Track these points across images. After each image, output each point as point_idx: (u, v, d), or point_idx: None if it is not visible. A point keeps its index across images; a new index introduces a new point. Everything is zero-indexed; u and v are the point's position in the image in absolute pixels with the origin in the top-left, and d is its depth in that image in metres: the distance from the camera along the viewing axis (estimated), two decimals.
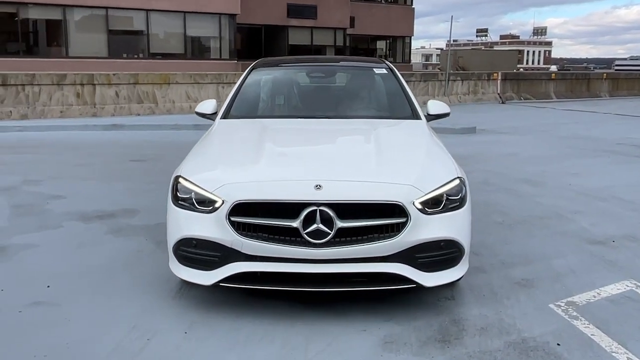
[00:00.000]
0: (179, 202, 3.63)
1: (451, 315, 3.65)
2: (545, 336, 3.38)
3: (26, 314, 3.59)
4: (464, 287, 4.06)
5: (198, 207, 3.53)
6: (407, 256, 3.46)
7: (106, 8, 22.98)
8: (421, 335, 3.37)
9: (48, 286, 4.02)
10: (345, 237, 3.38)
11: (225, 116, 4.88)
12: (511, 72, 23.00)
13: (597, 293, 4.01)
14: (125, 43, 23.84)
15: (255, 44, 31.03)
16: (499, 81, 21.25)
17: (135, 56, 23.84)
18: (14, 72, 14.03)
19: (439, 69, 49.26)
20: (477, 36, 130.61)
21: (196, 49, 25.76)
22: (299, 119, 4.78)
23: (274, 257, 3.42)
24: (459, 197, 3.66)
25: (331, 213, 3.34)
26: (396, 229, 3.42)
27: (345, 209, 3.38)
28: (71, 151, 9.87)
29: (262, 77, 5.42)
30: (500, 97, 21.10)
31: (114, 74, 14.68)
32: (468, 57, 45.52)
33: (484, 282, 4.18)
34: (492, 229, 5.46)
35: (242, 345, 3.24)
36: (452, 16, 20.77)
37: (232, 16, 25.77)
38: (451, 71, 21.08)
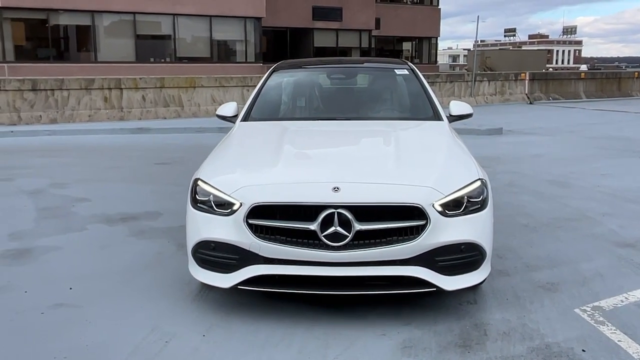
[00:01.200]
0: (198, 204, 3.63)
1: (473, 319, 3.58)
2: (569, 342, 3.29)
3: (48, 315, 3.63)
4: (486, 291, 3.99)
5: (217, 209, 3.53)
6: (426, 259, 3.40)
7: (134, 13, 23.31)
8: (441, 340, 3.31)
9: (70, 288, 4.06)
10: (364, 239, 3.34)
11: (246, 119, 4.89)
12: (539, 72, 22.65)
13: (625, 297, 3.90)
14: (153, 47, 24.15)
15: (281, 46, 31.14)
16: (526, 81, 20.95)
17: (162, 60, 24.14)
18: (43, 77, 14.30)
19: (465, 69, 48.82)
20: (505, 36, 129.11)
21: (222, 52, 25.96)
22: (320, 121, 4.76)
23: (292, 259, 3.40)
24: (480, 199, 3.58)
25: (349, 215, 3.30)
26: (415, 232, 3.37)
27: (364, 212, 3.34)
28: (98, 154, 10.02)
29: (283, 79, 5.41)
30: (528, 98, 20.79)
31: (140, 78, 14.86)
32: (496, 58, 45.00)
33: (507, 286, 4.09)
34: (517, 232, 5.36)
35: (260, 348, 3.23)
36: (478, 16, 20.57)
37: (258, 19, 25.90)
38: (478, 71, 20.86)
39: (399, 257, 3.37)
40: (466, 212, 3.51)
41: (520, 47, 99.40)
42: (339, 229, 3.31)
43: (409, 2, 38.49)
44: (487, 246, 3.58)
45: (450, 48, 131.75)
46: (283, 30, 31.03)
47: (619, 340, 3.30)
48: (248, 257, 3.44)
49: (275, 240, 3.39)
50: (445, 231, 3.41)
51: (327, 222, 3.31)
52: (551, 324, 3.52)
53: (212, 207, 3.55)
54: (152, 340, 3.31)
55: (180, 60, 24.42)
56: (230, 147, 4.23)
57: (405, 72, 5.30)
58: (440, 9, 38.89)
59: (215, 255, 3.54)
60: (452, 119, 4.93)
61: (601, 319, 3.58)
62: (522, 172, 8.10)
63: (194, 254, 3.64)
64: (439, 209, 3.41)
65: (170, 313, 3.66)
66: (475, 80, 19.65)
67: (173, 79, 15.28)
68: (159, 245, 5.02)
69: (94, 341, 3.30)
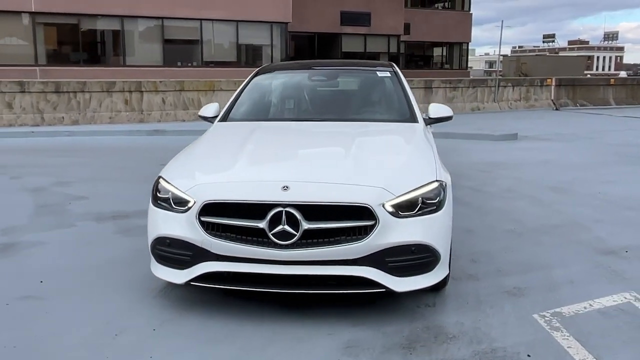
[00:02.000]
0: (158, 202, 3.70)
1: (426, 322, 3.55)
2: (517, 347, 3.24)
3: (12, 307, 3.75)
4: (448, 294, 3.95)
5: (174, 207, 3.59)
6: (376, 260, 3.39)
7: (162, 18, 23.73)
8: (387, 342, 3.30)
9: (41, 281, 4.17)
10: (312, 238, 3.36)
11: (224, 119, 4.96)
12: (566, 77, 22.18)
13: (590, 304, 3.81)
14: (180, 52, 24.55)
15: (309, 51, 31.32)
16: (552, 87, 20.56)
17: (189, 64, 24.50)
18: (66, 79, 14.70)
19: (500, 75, 48.23)
20: (543, 42, 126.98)
21: (249, 56, 26.22)
22: (294, 122, 4.80)
23: (242, 257, 3.43)
24: (436, 200, 3.56)
25: (297, 214, 3.32)
26: (364, 232, 3.37)
27: (312, 211, 3.35)
28: (110, 155, 10.24)
29: (265, 82, 5.47)
30: (554, 104, 20.41)
31: (160, 81, 15.14)
32: (532, 64, 44.34)
33: (472, 290, 4.05)
34: (500, 237, 5.29)
35: (204, 344, 3.27)
36: (502, 21, 20.29)
37: (284, 24, 26.08)
38: (513, 77, 20.55)
39: (347, 256, 3.37)
40: (420, 213, 3.49)
41: (558, 52, 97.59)
42: (287, 227, 3.33)
43: (439, 7, 38.26)
44: (442, 248, 3.55)
45: (487, 54, 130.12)
46: (311, 35, 31.20)
47: (568, 347, 3.24)
48: (201, 254, 3.49)
49: (225, 238, 3.44)
50: (395, 232, 3.39)
51: (275, 221, 3.34)
52: (505, 328, 3.47)
53: (170, 204, 3.62)
54: (102, 333, 3.38)
55: (207, 64, 24.74)
56: (197, 146, 4.30)
57: (387, 74, 5.29)
58: (472, 14, 38.53)
59: (171, 251, 3.60)
60: (430, 121, 4.90)
61: (557, 325, 3.51)
62: (525, 178, 7.97)
63: (153, 250, 3.71)
64: (390, 209, 3.40)
65: (130, 308, 3.74)
66: (498, 86, 19.39)
67: (192, 82, 15.52)
68: (142, 242, 5.08)
69: (47, 332, 3.39)
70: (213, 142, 4.35)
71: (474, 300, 3.88)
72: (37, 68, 21.84)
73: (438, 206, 3.56)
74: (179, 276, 3.59)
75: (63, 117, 14.06)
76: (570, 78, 21.97)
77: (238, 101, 5.14)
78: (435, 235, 3.52)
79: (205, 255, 3.48)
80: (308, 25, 30.27)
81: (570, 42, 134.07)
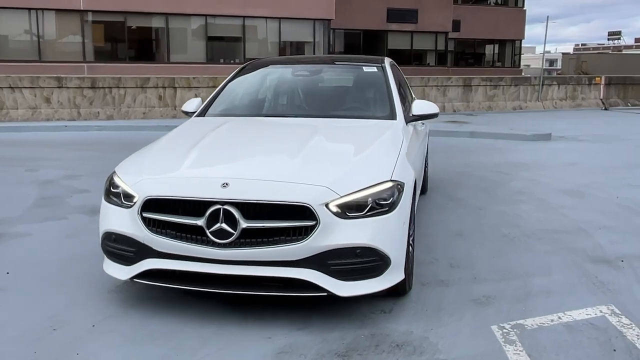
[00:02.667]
0: (110, 197, 3.66)
1: (374, 329, 3.37)
2: (461, 359, 3.03)
3: None
4: (410, 301, 3.75)
5: (123, 202, 3.55)
6: (318, 262, 3.25)
7: (205, 16, 24.05)
8: (324, 348, 3.15)
9: (7, 273, 4.21)
10: (251, 238, 3.24)
11: (202, 114, 4.89)
12: (617, 76, 21.15)
13: (559, 317, 3.54)
14: (223, 49, 24.83)
15: (354, 49, 31.11)
16: (602, 86, 19.67)
17: (232, 62, 24.73)
18: (102, 75, 15.05)
19: (558, 74, 46.64)
20: (608, 39, 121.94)
21: (291, 54, 26.25)
22: (266, 118, 4.67)
23: (184, 255, 3.35)
24: (389, 201, 3.38)
25: (235, 212, 3.21)
26: (304, 233, 3.22)
27: (252, 209, 3.24)
28: (131, 149, 10.35)
29: (249, 77, 5.37)
30: (603, 103, 19.52)
31: (193, 78, 15.30)
32: (593, 62, 42.53)
33: (437, 297, 3.83)
34: (490, 242, 5.02)
35: (138, 342, 3.20)
36: (547, 17, 19.50)
37: (327, 21, 25.98)
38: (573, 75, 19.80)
39: (287, 258, 3.24)
40: (369, 214, 3.31)
41: (621, 50, 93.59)
42: (224, 225, 3.23)
43: (492, 3, 37.27)
44: (392, 252, 3.36)
45: (548, 52, 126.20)
46: (357, 32, 30.99)
47: None
48: (144, 251, 3.43)
49: (166, 235, 3.36)
50: (339, 233, 3.23)
51: (214, 219, 3.24)
52: (455, 339, 3.26)
53: (121, 199, 3.57)
54: (41, 327, 3.36)
55: (249, 61, 24.90)
56: (158, 142, 4.24)
57: (374, 69, 5.10)
58: (525, 10, 37.35)
59: (117, 247, 3.56)
60: (413, 118, 4.68)
61: (514, 337, 3.27)
62: (541, 180, 7.59)
63: (102, 246, 3.68)
64: (335, 209, 3.24)
65: (79, 302, 3.71)
66: (543, 84, 18.68)
67: (225, 78, 15.59)
68: None
69: None
70: (174, 138, 4.27)
71: (435, 308, 3.67)
72: (84, 64, 22.53)
73: (390, 207, 3.38)
74: (124, 272, 3.54)
75: (98, 112, 14.40)
76: (621, 77, 20.95)
77: (219, 97, 5.07)
78: (384, 238, 3.33)
79: (148, 252, 3.42)
80: (353, 22, 30.08)
81: (637, 40, 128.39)
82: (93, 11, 22.59)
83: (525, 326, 3.42)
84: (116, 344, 3.19)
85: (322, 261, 3.24)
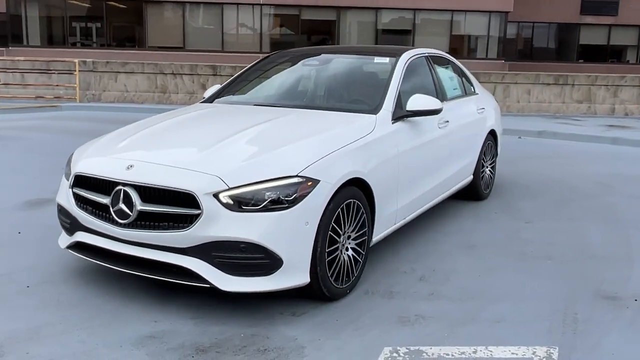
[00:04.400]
0: (65, 173, 3.95)
1: (262, 330, 3.21)
2: None
3: None
4: (331, 308, 3.49)
5: (67, 178, 3.82)
6: (203, 252, 3.19)
7: (376, 9, 24.21)
8: (192, 340, 3.08)
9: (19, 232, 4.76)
10: (147, 221, 3.28)
11: (209, 100, 5.00)
12: None
13: (475, 350, 3.03)
14: (393, 41, 24.75)
15: (538, 43, 29.02)
16: None
17: None
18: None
19: None
20: None
21: (461, 47, 25.29)
22: (250, 106, 4.58)
23: (98, 231, 3.51)
24: (290, 198, 3.19)
25: (133, 194, 3.28)
26: (189, 221, 3.18)
27: (149, 193, 3.28)
28: None
29: (264, 66, 5.34)
30: None
31: None
32: None
33: (364, 309, 3.50)
34: (496, 258, 4.43)
35: (44, 307, 3.43)
36: None
37: (504, 14, 24.53)
38: None
39: (174, 244, 3.23)
40: (264, 209, 3.16)
41: None
42: (122, 206, 3.32)
43: None
44: (285, 251, 3.17)
45: None
46: (543, 25, 28.78)
47: None
48: (75, 224, 3.66)
49: (85, 210, 3.55)
50: (223, 225, 3.14)
51: (118, 198, 3.34)
52: (329, 354, 2.97)
53: (66, 175, 3.85)
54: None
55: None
56: (136, 124, 4.38)
57: (386, 61, 4.75)
58: None
59: (61, 218, 3.85)
60: (407, 114, 4.29)
61: None
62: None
63: (58, 217, 3.98)
64: (226, 200, 3.15)
65: (34, 265, 4.08)
66: None
67: None
68: None
69: None
70: (146, 121, 4.38)
71: (348, 319, 3.36)
72: (260, 55, 24.09)
73: (291, 204, 3.18)
74: (63, 241, 3.82)
75: None
76: None
77: (231, 85, 5.14)
78: (275, 235, 3.15)
79: (77, 225, 3.64)
80: (540, 14, 28.03)
81: None
82: (270, 5, 24.03)
83: (423, 354, 2.99)
84: (33, 305, 3.45)
85: (207, 252, 3.18)
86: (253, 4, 24.03)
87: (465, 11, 24.42)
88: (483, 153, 5.93)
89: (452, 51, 24.83)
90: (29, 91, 15.44)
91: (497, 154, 6.49)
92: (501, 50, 24.95)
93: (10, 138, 9.58)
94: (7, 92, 15.20)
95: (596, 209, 5.91)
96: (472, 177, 5.76)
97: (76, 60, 15.19)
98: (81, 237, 3.63)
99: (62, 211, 3.79)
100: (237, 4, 23.99)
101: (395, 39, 24.73)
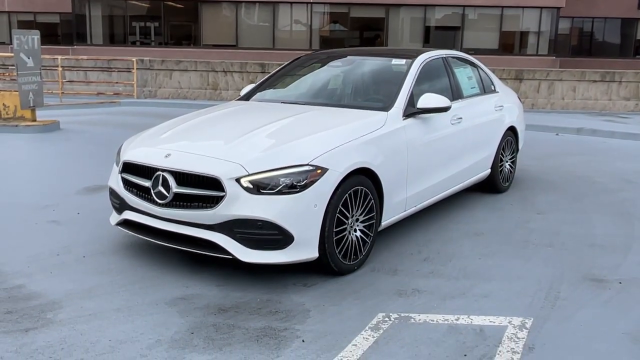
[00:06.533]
0: (116, 160, 4.59)
1: (276, 296, 3.74)
2: (312, 331, 3.28)
3: None
4: (339, 281, 3.98)
5: (117, 164, 4.46)
6: (227, 228, 3.75)
7: (425, 6, 24.40)
8: (215, 301, 3.64)
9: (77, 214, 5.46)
10: (181, 201, 3.87)
11: (244, 98, 5.57)
12: None
13: (457, 318, 3.47)
14: (441, 38, 24.92)
15: (594, 39, 28.47)
16: None
17: None
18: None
19: None
20: None
21: (511, 43, 25.16)
22: (277, 104, 5.12)
23: (141, 210, 4.12)
24: (302, 183, 3.71)
25: (170, 179, 3.87)
26: (215, 201, 3.74)
27: (184, 177, 3.86)
28: None
29: (293, 67, 5.86)
30: None
31: None
32: None
33: (367, 283, 3.99)
34: (500, 244, 4.82)
35: (98, 273, 4.07)
36: None
37: (555, 10, 24.26)
38: None
39: (203, 221, 3.80)
40: (279, 192, 3.69)
41: None
42: (161, 188, 3.91)
43: None
44: (295, 229, 3.69)
45: None
46: (599, 20, 28.23)
47: (353, 344, 3.15)
48: (124, 204, 4.29)
49: (131, 192, 4.17)
50: (244, 206, 3.69)
51: (157, 182, 3.95)
52: (330, 316, 3.47)
53: (116, 162, 4.50)
54: (52, 252, 4.46)
55: (467, 51, 24.55)
56: (176, 119, 4.97)
57: (402, 62, 5.20)
58: None
59: (112, 199, 4.49)
60: (417, 111, 4.73)
61: (384, 325, 3.37)
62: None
63: (109, 198, 4.63)
64: (246, 185, 3.70)
65: (90, 239, 4.74)
66: None
67: None
68: None
69: None
70: (185, 116, 4.97)
71: (352, 290, 3.86)
72: (310, 52, 24.67)
73: (302, 188, 3.70)
74: (113, 220, 4.46)
75: None
76: None
77: (264, 84, 5.69)
78: (287, 214, 3.68)
79: (125, 205, 4.27)
80: (595, 9, 27.56)
81: None
82: (321, 3, 24.58)
83: (411, 319, 3.46)
84: (87, 271, 4.10)
85: (230, 228, 3.73)
86: (305, 2, 24.63)
87: (516, 7, 24.29)
88: (502, 148, 6.28)
89: (502, 47, 24.77)
90: (91, 88, 16.53)
91: (517, 149, 6.81)
92: (552, 46, 24.68)
93: (73, 131, 10.48)
94: (71, 89, 16.31)
95: (610, 203, 6.17)
96: (489, 170, 6.12)
97: (134, 59, 16.15)
98: (128, 215, 4.26)
99: (113, 193, 4.43)
100: (290, 2, 24.65)
101: (444, 35, 24.87)
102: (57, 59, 15.94)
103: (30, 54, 10.14)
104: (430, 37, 24.95)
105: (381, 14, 24.78)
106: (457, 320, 3.46)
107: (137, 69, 16.05)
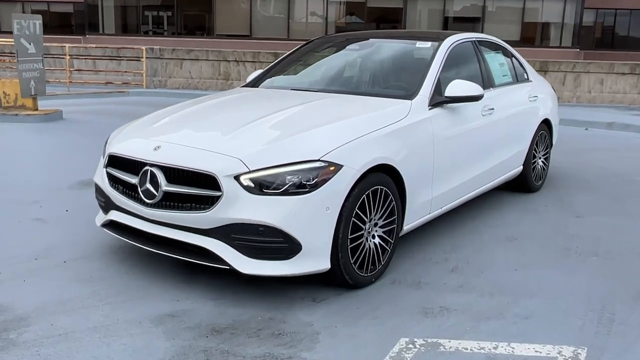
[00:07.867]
0: (102, 153, 4.06)
1: (280, 314, 3.20)
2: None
3: None
4: (353, 295, 3.44)
5: (102, 158, 3.93)
6: (224, 234, 3.21)
7: None
8: (209, 320, 3.11)
9: (67, 210, 4.96)
10: (172, 201, 3.33)
11: (252, 85, 5.02)
12: None
13: (495, 346, 2.90)
14: (460, 29, 24.14)
15: (620, 31, 27.57)
16: None
17: None
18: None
19: None
20: None
21: (533, 35, 24.35)
22: (286, 91, 4.56)
23: (128, 210, 3.59)
24: (312, 182, 3.15)
25: (159, 175, 3.33)
26: (210, 202, 3.20)
27: (174, 174, 3.32)
28: None
29: (306, 51, 5.29)
30: None
31: None
32: None
33: (387, 298, 3.44)
34: (536, 253, 4.24)
35: (78, 280, 3.56)
36: None
37: (580, 1, 23.41)
38: None
39: (196, 225, 3.26)
40: (286, 192, 3.14)
41: None
42: (149, 186, 3.38)
43: None
44: (303, 236, 3.13)
45: None
46: (625, 12, 27.31)
47: None
48: (110, 202, 3.76)
49: (117, 190, 3.64)
50: (243, 208, 3.14)
51: (145, 178, 3.40)
52: (344, 342, 2.93)
53: (102, 155, 3.97)
54: (30, 255, 3.95)
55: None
56: (171, 107, 4.41)
57: (428, 45, 4.61)
58: None
59: (97, 197, 3.97)
60: (445, 100, 4.15)
61: (408, 355, 2.81)
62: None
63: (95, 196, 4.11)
64: (247, 183, 3.15)
65: (73, 241, 4.23)
66: None
67: None
68: None
69: None
70: (187, 103, 4.43)
71: (370, 307, 3.30)
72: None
73: (311, 188, 3.15)
74: (98, 219, 3.94)
75: None
76: None
77: (272, 69, 5.14)
78: (294, 219, 3.12)
79: (111, 204, 3.74)
80: (620, 1, 26.60)
81: None
82: None
83: (440, 347, 2.90)
84: (65, 278, 3.58)
85: (227, 234, 3.19)
86: None
87: None
88: (535, 143, 5.68)
89: (524, 39, 23.99)
90: (100, 77, 16.09)
91: (551, 145, 6.20)
92: (576, 38, 23.85)
93: (76, 121, 10.01)
94: (80, 78, 15.88)
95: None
96: (521, 167, 5.53)
97: (143, 48, 15.67)
98: (114, 215, 3.73)
99: (98, 190, 3.91)
100: None
101: (463, 27, 24.12)
102: (64, 47, 15.49)
103: (31, 40, 9.65)
104: (449, 28, 24.21)
105: (399, 4, 24.10)
106: (495, 349, 2.89)
107: (146, 57, 15.57)
